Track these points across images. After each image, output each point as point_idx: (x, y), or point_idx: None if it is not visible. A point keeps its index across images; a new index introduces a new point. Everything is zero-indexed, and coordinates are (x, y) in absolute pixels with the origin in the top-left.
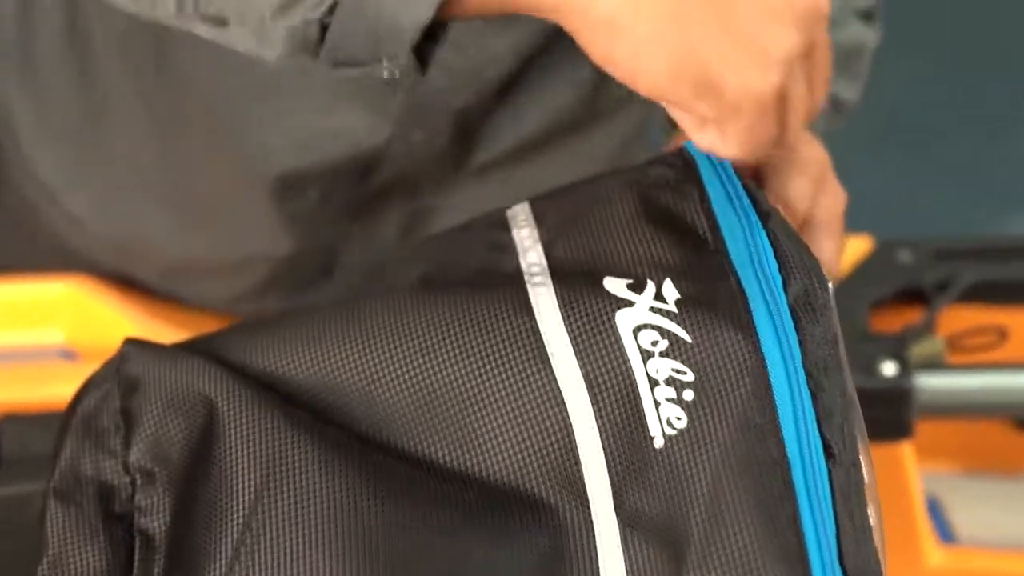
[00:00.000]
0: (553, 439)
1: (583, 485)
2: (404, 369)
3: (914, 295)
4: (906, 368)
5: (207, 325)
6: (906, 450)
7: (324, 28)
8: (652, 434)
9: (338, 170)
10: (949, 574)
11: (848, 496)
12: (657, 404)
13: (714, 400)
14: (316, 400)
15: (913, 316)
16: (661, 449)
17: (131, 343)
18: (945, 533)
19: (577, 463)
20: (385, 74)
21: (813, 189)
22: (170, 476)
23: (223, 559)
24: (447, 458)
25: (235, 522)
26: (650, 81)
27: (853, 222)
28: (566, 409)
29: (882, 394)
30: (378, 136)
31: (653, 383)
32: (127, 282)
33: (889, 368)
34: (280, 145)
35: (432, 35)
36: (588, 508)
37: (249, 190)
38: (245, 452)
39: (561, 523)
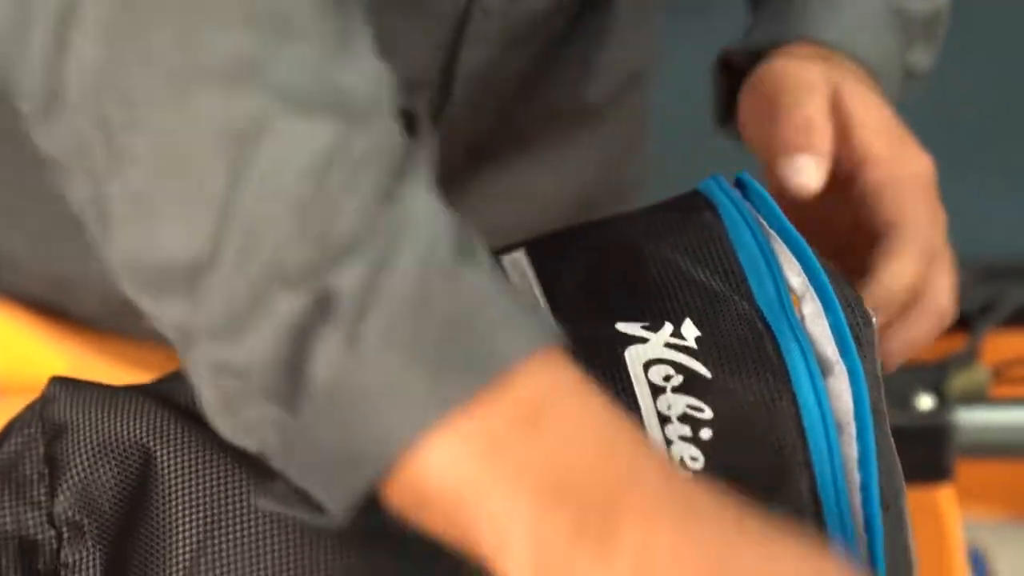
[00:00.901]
0: None
1: None
2: None
3: (955, 320)
4: (945, 401)
5: (156, 360)
6: (945, 494)
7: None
8: None
9: None
10: None
11: (894, 548)
12: (669, 442)
13: (737, 440)
14: None
15: (954, 343)
16: None
17: (58, 382)
18: None
19: None
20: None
21: (922, 264)
22: (101, 529)
23: None
24: None
25: None
26: None
27: None
28: None
29: (919, 431)
30: None
31: (664, 420)
32: (63, 313)
33: (926, 402)
34: None
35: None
36: None
37: None
38: (185, 500)
39: None
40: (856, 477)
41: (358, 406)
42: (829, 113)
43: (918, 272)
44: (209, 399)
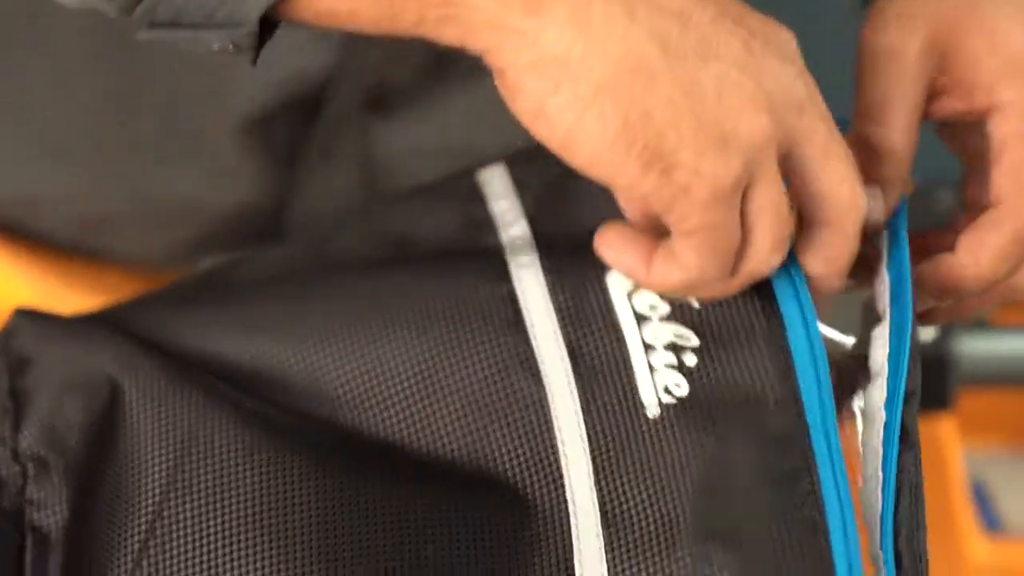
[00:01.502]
0: (523, 414)
1: (558, 465)
2: (356, 355)
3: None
4: (946, 329)
5: (128, 287)
6: (947, 426)
7: None
8: (645, 403)
9: (285, 103)
10: (995, 570)
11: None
12: (653, 370)
13: (722, 366)
14: (248, 381)
15: None
16: (656, 419)
17: (22, 314)
18: (991, 522)
19: (552, 440)
20: (215, 46)
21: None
22: (67, 465)
23: (130, 553)
24: (400, 435)
25: (143, 512)
26: (591, 146)
27: None
28: (541, 382)
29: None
30: (325, 57)
31: (648, 348)
32: (30, 237)
33: (927, 331)
34: (241, 79)
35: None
36: (563, 489)
37: (185, 125)
38: (154, 435)
39: (531, 507)
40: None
41: None
42: (918, 76)
43: (1010, 269)
44: None
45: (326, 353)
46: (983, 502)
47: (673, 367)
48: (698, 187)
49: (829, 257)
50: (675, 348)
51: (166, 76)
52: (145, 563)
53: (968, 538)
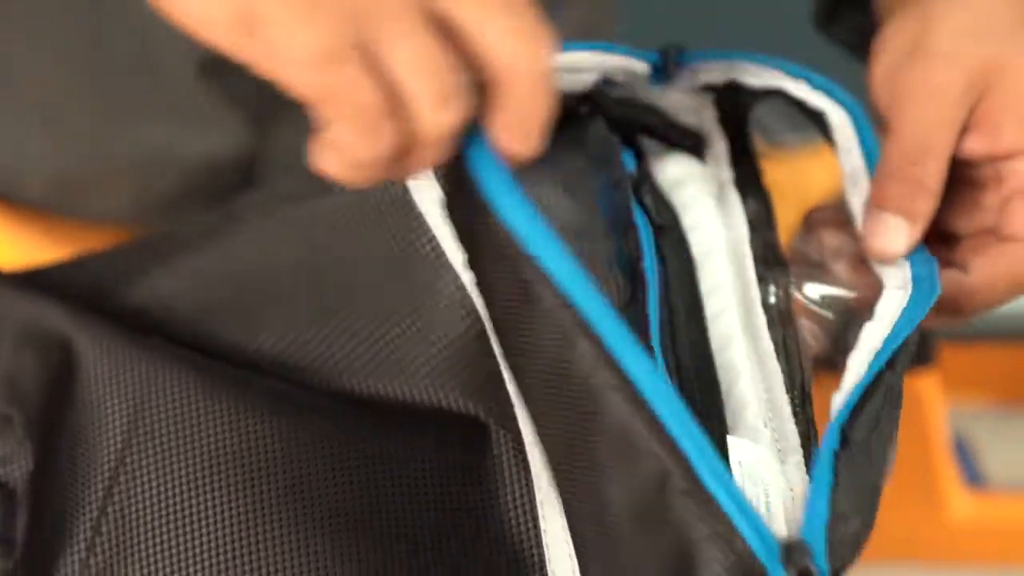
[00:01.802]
0: (464, 336)
1: (506, 392)
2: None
3: None
4: None
5: (104, 242)
6: (929, 382)
7: None
8: None
9: None
10: (978, 524)
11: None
12: None
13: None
14: (197, 327)
15: None
16: None
17: None
18: (974, 476)
19: (497, 366)
20: None
21: None
22: (29, 419)
23: (95, 502)
24: (352, 381)
25: (106, 462)
26: (193, 12)
27: None
28: (472, 302)
29: None
30: None
31: None
32: (7, 197)
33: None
34: None
35: None
36: (511, 407)
37: (151, 75)
38: (111, 385)
39: (490, 438)
40: None
41: None
42: (959, 117)
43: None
44: None
45: (279, 307)
46: (966, 457)
47: None
48: (288, 45)
49: (507, 122)
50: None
51: (132, 25)
52: (110, 510)
53: (950, 492)
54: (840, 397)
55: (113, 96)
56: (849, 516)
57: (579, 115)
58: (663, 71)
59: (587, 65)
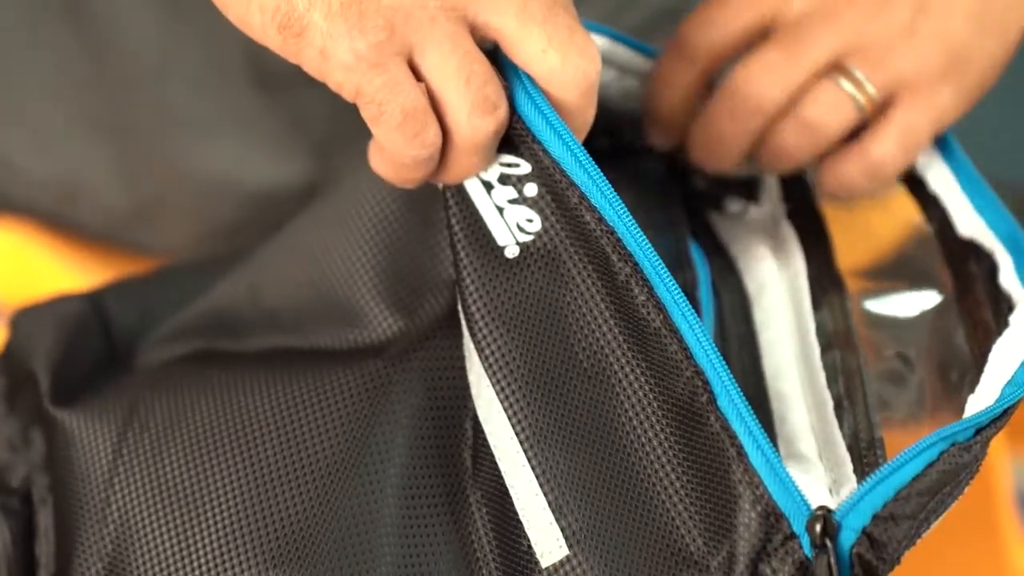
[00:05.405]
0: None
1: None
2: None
3: None
4: None
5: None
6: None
7: None
8: (502, 244)
9: None
10: None
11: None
12: (501, 210)
13: (560, 192)
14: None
15: None
16: (516, 259)
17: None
18: None
19: (456, 299)
20: None
21: None
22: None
23: (99, 494)
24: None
25: (105, 459)
26: (236, 10)
27: None
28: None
29: None
30: None
31: (487, 186)
32: (69, 227)
33: None
34: None
35: None
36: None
37: (218, 95)
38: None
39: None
40: None
41: None
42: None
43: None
44: None
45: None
46: None
47: (516, 201)
48: (334, 48)
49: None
50: (510, 180)
51: (200, 44)
52: (112, 510)
53: (1012, 547)
54: (974, 405)
55: (177, 115)
56: (899, 520)
57: (636, 150)
58: None
59: (632, 66)
